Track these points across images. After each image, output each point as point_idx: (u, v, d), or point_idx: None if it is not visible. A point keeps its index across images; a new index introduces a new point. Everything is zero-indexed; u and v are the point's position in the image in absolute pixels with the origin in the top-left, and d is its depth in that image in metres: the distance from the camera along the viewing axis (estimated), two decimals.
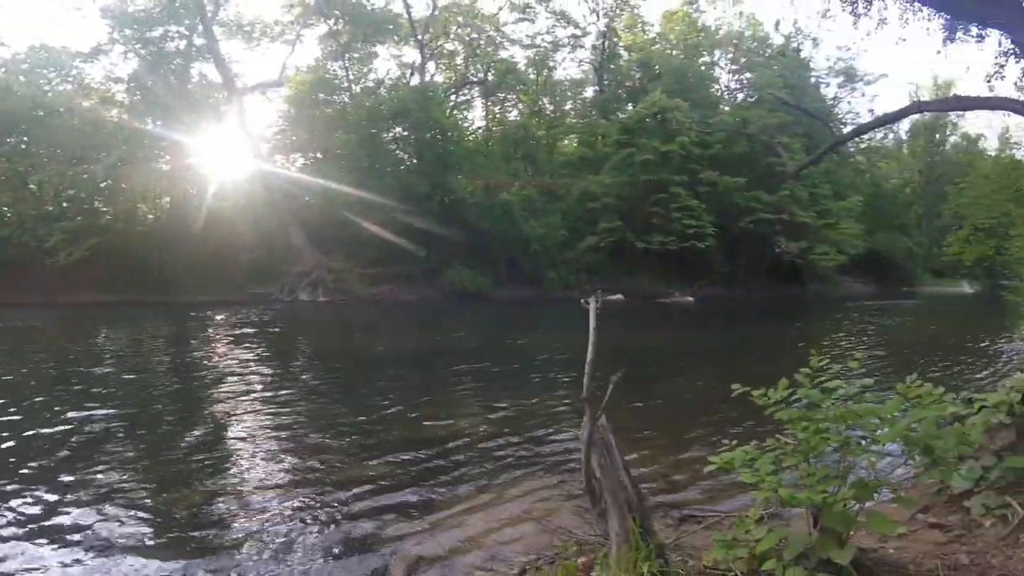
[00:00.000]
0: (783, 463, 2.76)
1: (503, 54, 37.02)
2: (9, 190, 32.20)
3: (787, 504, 2.67)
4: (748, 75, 40.49)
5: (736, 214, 34.08)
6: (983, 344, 14.35)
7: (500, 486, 4.94)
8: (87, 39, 60.03)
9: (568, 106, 39.40)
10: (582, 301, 3.37)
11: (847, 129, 34.84)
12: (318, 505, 4.61)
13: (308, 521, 4.33)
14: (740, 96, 41.75)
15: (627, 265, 32.64)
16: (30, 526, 4.22)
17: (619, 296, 29.49)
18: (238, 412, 7.62)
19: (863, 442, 2.72)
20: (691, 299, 30.25)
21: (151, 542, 4.01)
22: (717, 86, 41.78)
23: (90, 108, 32.58)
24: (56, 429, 6.72)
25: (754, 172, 35.24)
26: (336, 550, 3.90)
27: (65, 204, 32.34)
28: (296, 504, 4.66)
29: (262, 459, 5.75)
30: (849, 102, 47.24)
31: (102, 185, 31.80)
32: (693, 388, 9.15)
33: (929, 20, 10.03)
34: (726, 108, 39.62)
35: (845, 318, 22.96)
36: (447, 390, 9.10)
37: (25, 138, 31.92)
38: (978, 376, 10.12)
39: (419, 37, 34.62)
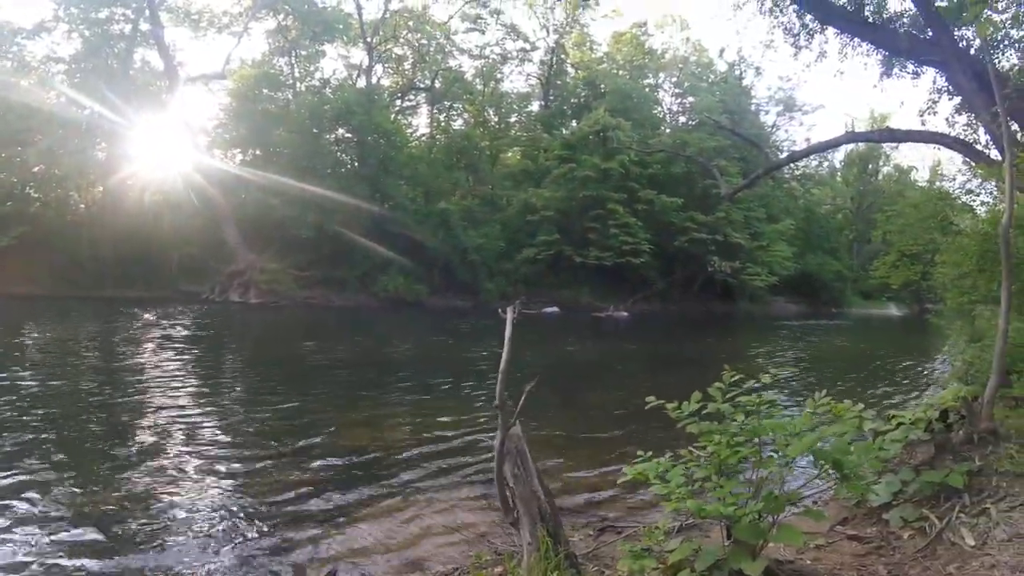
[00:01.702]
0: (695, 475, 2.81)
1: (452, 63, 37.48)
2: None
3: (697, 516, 2.69)
4: (691, 99, 41.92)
5: (672, 233, 35.33)
6: (906, 364, 14.90)
7: (422, 495, 4.96)
8: (31, 15, 57.66)
9: (513, 118, 40.03)
10: (499, 311, 3.50)
11: (783, 156, 36.63)
12: (237, 510, 4.59)
13: (225, 525, 4.31)
14: (682, 119, 43.17)
15: (564, 278, 33.44)
16: None
17: (555, 308, 30.22)
18: (161, 414, 7.51)
19: (774, 456, 2.77)
20: (626, 314, 31.11)
21: (67, 544, 3.94)
22: (660, 108, 43.09)
23: (28, 88, 31.40)
24: None
25: (691, 193, 36.59)
26: (252, 556, 3.87)
27: None
28: (214, 508, 4.63)
29: (183, 463, 5.67)
30: (787, 130, 49.69)
31: (34, 170, 30.79)
32: (620, 400, 9.13)
33: (867, 56, 10.72)
34: (667, 130, 40.86)
35: (772, 336, 23.77)
36: (375, 398, 8.97)
37: None
38: (899, 394, 10.53)
39: (368, 39, 34.61)
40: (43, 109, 30.69)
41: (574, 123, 37.21)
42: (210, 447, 6.25)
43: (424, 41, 36.41)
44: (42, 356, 12.38)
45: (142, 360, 12.41)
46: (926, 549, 3.09)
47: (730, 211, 36.31)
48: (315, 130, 30.65)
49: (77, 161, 30.46)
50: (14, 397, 8.00)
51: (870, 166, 57.26)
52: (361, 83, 34.86)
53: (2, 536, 3.99)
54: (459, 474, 5.51)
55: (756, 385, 3.12)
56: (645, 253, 33.48)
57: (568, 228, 32.89)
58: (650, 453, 3.05)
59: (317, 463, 5.72)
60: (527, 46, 38.68)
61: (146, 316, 20.82)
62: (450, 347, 16.32)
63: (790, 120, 48.04)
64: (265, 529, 4.26)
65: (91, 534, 4.10)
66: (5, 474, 5.08)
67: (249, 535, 4.17)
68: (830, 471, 2.74)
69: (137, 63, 34.11)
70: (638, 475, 2.90)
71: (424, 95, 37.53)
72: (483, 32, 37.87)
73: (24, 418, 6.97)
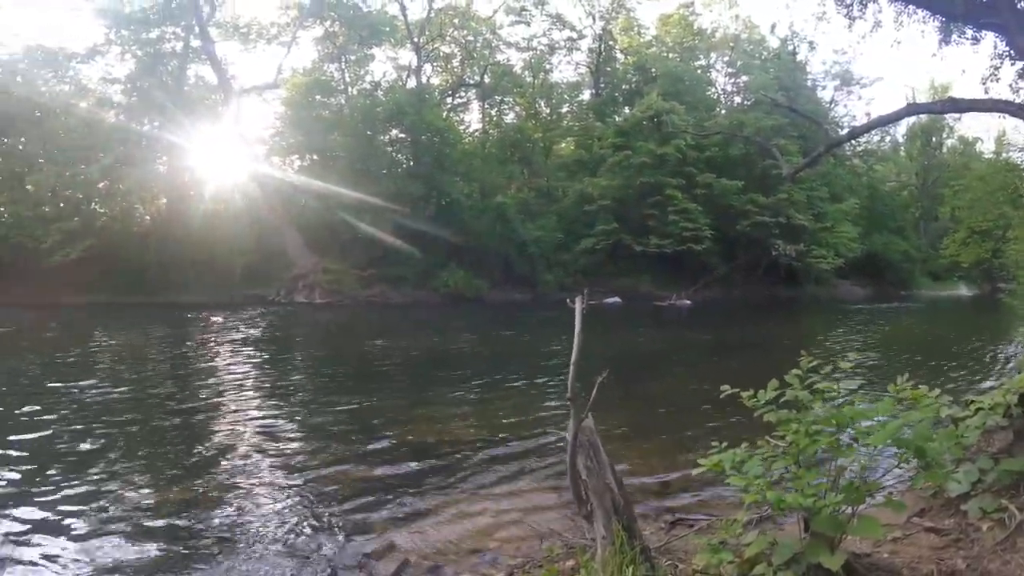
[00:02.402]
0: (772, 466, 2.72)
1: (499, 57, 37.17)
2: (6, 190, 32.21)
3: (776, 508, 2.62)
4: (744, 78, 40.52)
5: (733, 217, 34.11)
6: (981, 347, 14.27)
7: (491, 488, 4.92)
8: (84, 40, 60.12)
9: (564, 109, 39.38)
10: (568, 301, 3.36)
11: (843, 132, 34.99)
12: (310, 505, 4.64)
13: (299, 520, 4.35)
14: (736, 99, 41.81)
15: (624, 267, 32.63)
16: (27, 526, 4.25)
17: (616, 299, 29.45)
18: (233, 414, 7.69)
19: (854, 444, 2.68)
20: (688, 302, 30.12)
21: (144, 542, 4.03)
22: (713, 89, 41.79)
23: (87, 109, 32.52)
24: (51, 429, 6.75)
25: (751, 175, 35.31)
26: (326, 550, 3.91)
27: (61, 204, 32.33)
28: (286, 501, 4.69)
29: (255, 460, 5.77)
30: (845, 105, 47.48)
31: (99, 186, 31.85)
32: (688, 390, 9.08)
33: (924, 23, 9.99)
34: (722, 111, 39.66)
35: (841, 321, 22.90)
36: (440, 392, 9.10)
37: (22, 139, 31.92)
38: (975, 379, 10.09)
39: (415, 40, 34.64)
40: (103, 128, 31.86)
41: (627, 110, 36.37)
42: (281, 443, 6.33)
43: (470, 37, 36.27)
44: (115, 360, 12.68)
45: (213, 362, 12.57)
46: (1006, 542, 2.94)
47: (792, 192, 34.86)
48: (369, 132, 30.76)
49: (139, 175, 31.38)
50: (89, 400, 8.22)
51: (933, 139, 54.30)
52: (411, 83, 34.96)
53: (80, 536, 4.09)
54: (526, 467, 5.43)
55: (834, 371, 2.99)
56: (706, 239, 32.38)
57: (626, 216, 32.04)
58: (724, 444, 2.96)
59: (386, 457, 5.76)
60: (574, 35, 38.10)
61: (214, 319, 21.24)
62: (512, 340, 16.20)
63: (848, 94, 45.86)
64: (336, 522, 4.29)
65: (167, 529, 4.22)
66: (83, 476, 5.22)
67: (320, 528, 4.22)
68: (910, 459, 2.64)
69: (191, 79, 35.10)
70: (713, 466, 2.83)
71: (474, 91, 37.33)
72: (528, 24, 37.48)
73: (99, 420, 7.12)
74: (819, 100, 43.32)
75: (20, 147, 32.25)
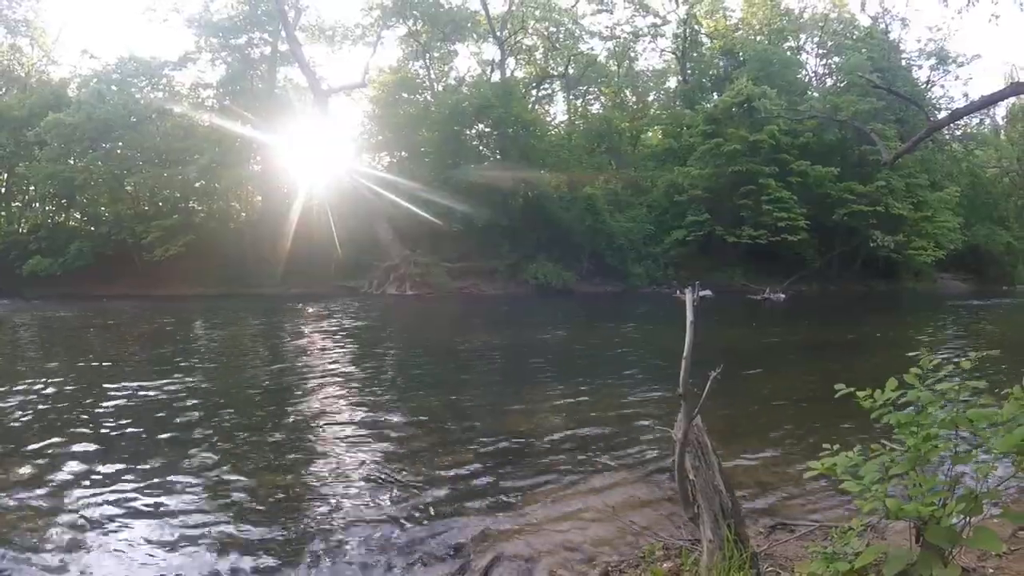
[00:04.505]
0: (889, 471, 2.54)
1: (583, 47, 36.58)
2: (107, 192, 34.15)
3: (893, 517, 2.50)
4: (836, 59, 38.60)
5: (829, 206, 32.45)
6: None
7: (584, 483, 4.79)
8: (175, 48, 63.32)
9: (651, 97, 38.60)
10: (677, 292, 3.16)
11: (942, 114, 32.85)
12: (401, 494, 4.63)
13: (390, 509, 4.36)
14: (829, 81, 39.71)
15: (716, 260, 31.61)
16: (124, 503, 4.38)
17: (708, 292, 28.53)
18: (327, 400, 7.75)
19: (973, 450, 2.54)
20: (783, 296, 28.84)
21: (239, 525, 4.10)
22: (804, 71, 39.86)
23: (181, 113, 34.06)
24: (152, 412, 6.96)
25: (846, 161, 33.58)
26: (417, 540, 3.91)
27: (160, 204, 34.07)
28: (379, 493, 4.68)
29: (347, 448, 5.80)
30: (942, 85, 44.37)
31: (196, 185, 33.31)
32: (787, 388, 8.48)
33: None
34: (815, 94, 37.82)
35: (947, 318, 21.19)
36: (532, 384, 8.80)
37: (120, 143, 33.72)
38: None
39: (497, 33, 34.60)
40: (198, 131, 33.35)
41: (715, 96, 35.19)
42: (374, 432, 6.33)
43: (553, 29, 35.98)
44: (215, 349, 13.03)
45: (308, 351, 12.73)
46: None
47: (890, 179, 32.92)
48: (455, 127, 30.91)
49: (235, 175, 32.66)
50: (192, 388, 8.40)
51: None
52: (495, 77, 34.94)
53: (179, 520, 4.16)
54: (622, 464, 5.22)
55: (954, 372, 2.82)
56: (802, 229, 30.86)
57: (718, 207, 31.00)
58: (837, 446, 2.76)
59: (479, 449, 5.66)
60: (657, 21, 37.04)
61: (309, 310, 21.83)
62: (604, 333, 15.65)
63: (945, 74, 42.83)
64: (427, 513, 4.26)
65: (262, 513, 4.27)
66: (178, 459, 5.35)
67: (412, 518, 4.19)
68: None
69: (281, 81, 36.38)
70: (827, 470, 2.67)
71: (559, 82, 37.05)
72: (611, 12, 36.69)
73: (200, 407, 7.27)
74: (914, 81, 40.72)
75: (118, 151, 34.05)
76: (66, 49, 64.33)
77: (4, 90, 39.61)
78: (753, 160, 31.14)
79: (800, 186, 31.81)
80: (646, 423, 6.42)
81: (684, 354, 2.92)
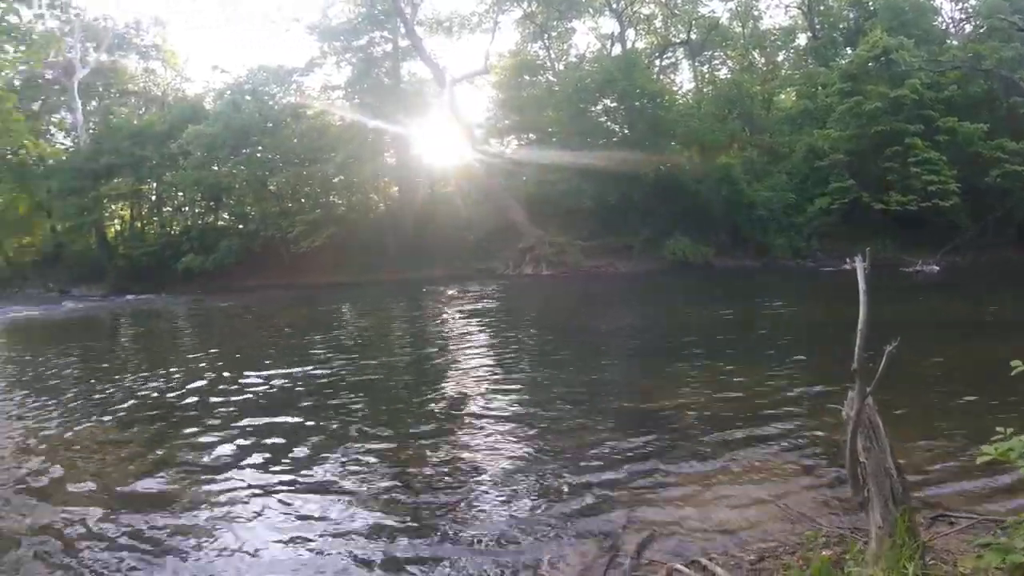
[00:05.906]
0: None
1: (703, 10, 35.32)
2: (251, 192, 36.93)
3: None
4: (972, 2, 35.54)
5: (981, 167, 29.90)
6: None
7: (739, 465, 4.68)
8: (300, 55, 67.29)
9: (781, 57, 36.63)
10: (847, 261, 3.29)
11: None
12: (548, 472, 4.67)
13: (539, 487, 4.42)
14: (967, 27, 36.50)
15: (862, 230, 29.81)
16: (257, 487, 4.71)
17: (865, 263, 27.04)
18: (472, 382, 7.96)
19: None
20: (936, 267, 26.98)
21: (376, 506, 4.27)
22: (940, 18, 36.39)
23: (314, 115, 36.18)
24: (299, 388, 7.68)
25: (994, 116, 30.66)
26: (567, 517, 3.93)
27: (302, 200, 36.49)
28: (526, 471, 4.75)
29: (490, 427, 5.91)
30: None
31: (334, 181, 35.41)
32: (949, 367, 7.78)
33: None
34: (954, 42, 34.80)
35: None
36: (675, 362, 8.59)
37: (260, 147, 36.37)
38: None
39: (614, 6, 34.28)
40: (331, 130, 35.35)
41: (849, 51, 33.13)
42: (517, 410, 6.43)
43: None
44: (359, 331, 13.90)
45: (448, 331, 13.32)
46: None
47: None
48: (580, 105, 30.99)
49: (371, 169, 34.44)
50: (338, 367, 9.02)
51: None
52: (616, 51, 34.68)
53: (316, 490, 4.50)
54: (777, 446, 5.08)
55: None
56: (953, 194, 28.50)
57: (862, 171, 29.29)
58: (1011, 430, 2.63)
59: (628, 429, 5.61)
60: None
61: (449, 292, 22.74)
62: (744, 308, 15.26)
63: None
64: (574, 494, 4.25)
65: (398, 493, 4.42)
66: (319, 437, 5.77)
67: (558, 500, 4.19)
68: None
69: (405, 75, 37.70)
70: (1001, 455, 2.53)
71: (682, 49, 36.19)
72: None
73: (341, 385, 7.88)
74: None
75: (258, 154, 36.67)
76: (197, 67, 69.89)
77: (144, 109, 43.69)
78: (896, 118, 29.06)
79: (948, 145, 29.55)
80: (797, 405, 6.21)
81: (859, 326, 2.79)
